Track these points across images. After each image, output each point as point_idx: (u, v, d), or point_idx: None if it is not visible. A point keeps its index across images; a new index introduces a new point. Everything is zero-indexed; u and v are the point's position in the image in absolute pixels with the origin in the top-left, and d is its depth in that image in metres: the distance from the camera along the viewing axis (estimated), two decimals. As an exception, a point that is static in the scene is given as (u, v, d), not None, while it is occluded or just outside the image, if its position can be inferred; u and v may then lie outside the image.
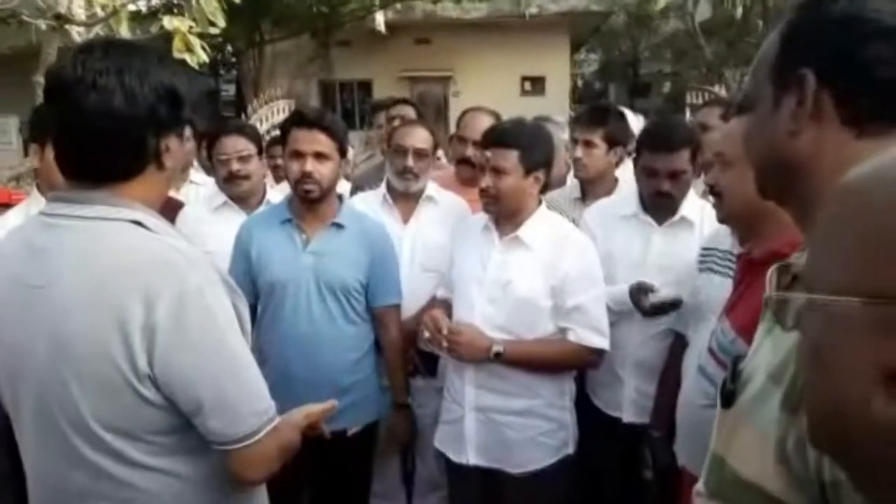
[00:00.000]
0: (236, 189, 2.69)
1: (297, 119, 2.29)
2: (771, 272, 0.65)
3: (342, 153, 2.28)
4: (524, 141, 2.11)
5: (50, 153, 2.11)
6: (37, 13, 5.16)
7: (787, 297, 0.58)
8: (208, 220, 2.63)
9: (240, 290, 1.26)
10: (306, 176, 2.18)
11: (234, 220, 2.59)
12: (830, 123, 0.77)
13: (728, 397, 0.80)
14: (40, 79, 5.39)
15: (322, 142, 2.20)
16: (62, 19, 5.02)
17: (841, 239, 0.52)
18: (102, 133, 1.14)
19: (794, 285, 0.66)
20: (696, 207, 2.34)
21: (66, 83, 1.13)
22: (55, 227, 1.17)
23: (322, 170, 2.19)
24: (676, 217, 2.34)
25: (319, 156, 2.19)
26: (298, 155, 2.20)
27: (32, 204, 2.22)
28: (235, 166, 2.64)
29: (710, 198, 1.68)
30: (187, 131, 1.28)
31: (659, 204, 2.34)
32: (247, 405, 1.17)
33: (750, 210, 1.44)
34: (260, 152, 2.77)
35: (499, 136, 2.15)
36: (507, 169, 2.10)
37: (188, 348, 1.11)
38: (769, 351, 0.77)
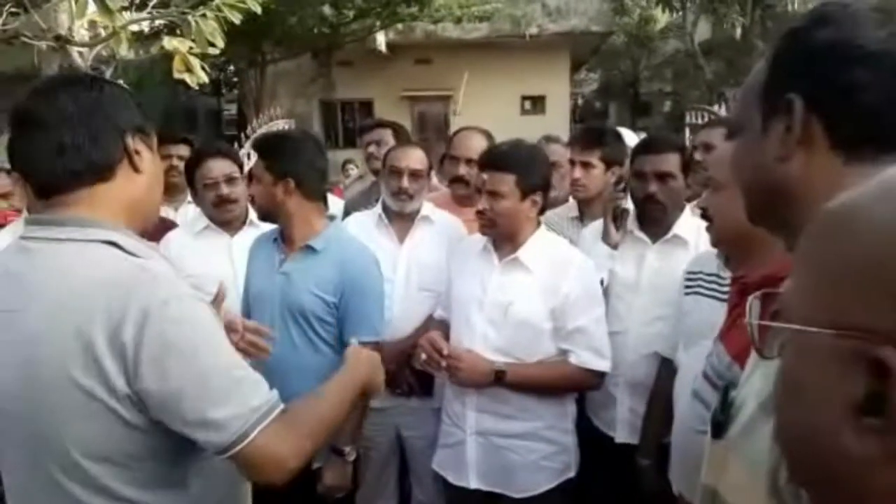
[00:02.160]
0: (226, 214, 2.64)
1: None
2: (751, 300, 0.64)
3: (279, 175, 2.13)
4: (521, 164, 2.11)
5: None
6: (39, 34, 5.19)
7: (767, 326, 0.57)
8: (192, 245, 2.59)
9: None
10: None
11: (218, 242, 2.60)
12: (819, 149, 0.76)
13: (718, 428, 0.78)
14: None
15: (255, 164, 2.22)
16: (62, 40, 5.04)
17: (816, 268, 0.51)
18: (62, 133, 1.17)
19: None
20: (692, 226, 2.34)
21: (38, 95, 1.21)
22: (29, 250, 1.17)
23: (255, 192, 2.22)
24: (670, 235, 2.34)
25: (253, 178, 2.21)
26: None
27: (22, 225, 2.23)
28: (225, 190, 2.61)
29: (704, 220, 1.67)
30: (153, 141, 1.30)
31: (650, 213, 2.35)
32: (224, 411, 1.13)
33: (742, 234, 1.43)
34: (242, 174, 2.74)
35: (495, 159, 2.14)
36: (503, 192, 2.09)
37: (155, 365, 1.09)
38: (760, 380, 0.75)
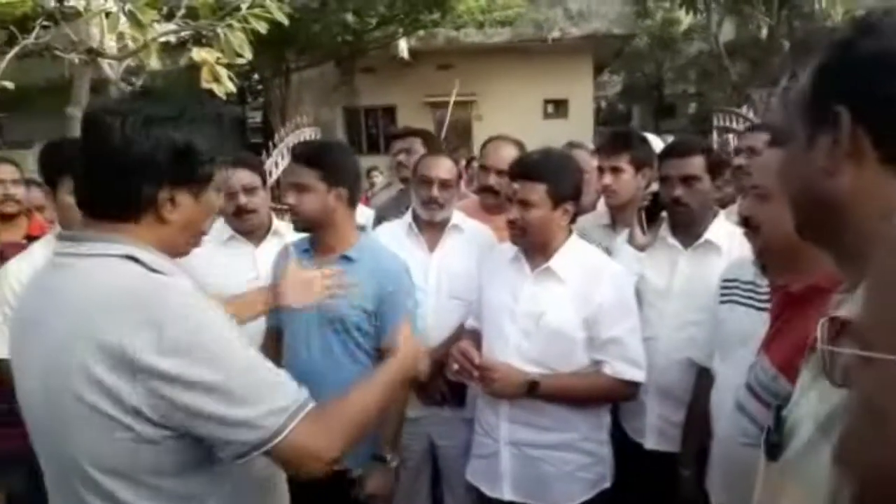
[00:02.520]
0: (245, 224, 2.63)
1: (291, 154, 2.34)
2: (822, 323, 0.62)
3: (333, 184, 2.15)
4: (552, 173, 2.09)
5: (62, 193, 2.19)
6: (69, 47, 5.28)
7: (838, 351, 0.55)
8: (216, 254, 2.53)
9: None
10: (289, 209, 2.21)
11: (242, 252, 2.60)
12: (869, 163, 0.74)
13: (773, 449, 0.76)
14: (72, 111, 5.51)
15: (303, 174, 2.16)
16: (94, 52, 5.12)
17: (894, 292, 0.49)
18: (94, 168, 1.19)
19: (841, 336, 0.63)
20: (724, 233, 2.32)
21: (85, 120, 1.22)
22: (59, 265, 1.20)
23: (304, 202, 2.15)
24: (701, 240, 2.32)
25: (300, 188, 2.16)
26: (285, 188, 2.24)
27: (53, 239, 2.27)
28: (243, 200, 2.59)
29: (744, 229, 1.63)
30: (213, 188, 1.27)
31: (677, 216, 2.35)
32: (256, 410, 1.12)
33: (788, 243, 1.40)
34: (264, 183, 2.72)
35: (526, 169, 2.13)
36: (534, 202, 2.08)
37: (176, 378, 1.08)
38: (816, 400, 0.73)
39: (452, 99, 7.64)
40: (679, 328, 2.27)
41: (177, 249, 1.29)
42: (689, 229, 2.35)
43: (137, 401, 1.09)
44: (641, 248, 2.43)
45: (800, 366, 0.84)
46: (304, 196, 2.15)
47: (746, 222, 1.59)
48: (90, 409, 1.09)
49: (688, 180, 2.28)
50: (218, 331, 1.15)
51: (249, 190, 2.61)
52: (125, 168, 1.16)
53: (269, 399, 1.15)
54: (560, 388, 2.09)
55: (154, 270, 1.18)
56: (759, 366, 1.49)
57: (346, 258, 2.18)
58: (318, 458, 1.19)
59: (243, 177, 2.60)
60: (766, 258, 1.57)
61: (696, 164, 2.28)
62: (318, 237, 2.24)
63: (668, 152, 2.41)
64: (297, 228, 2.25)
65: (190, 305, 1.14)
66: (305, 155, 2.21)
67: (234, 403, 1.11)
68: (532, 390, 2.05)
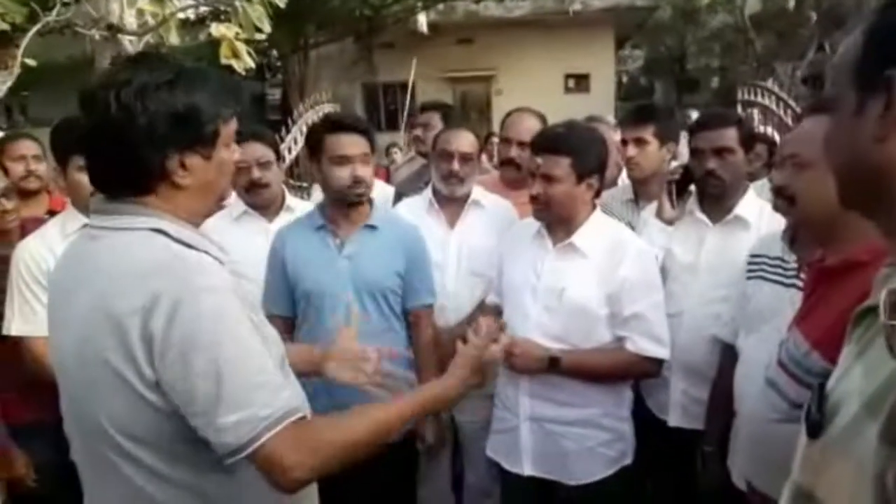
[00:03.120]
0: (257, 198, 2.61)
1: (338, 124, 2.28)
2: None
3: (372, 154, 2.31)
4: (576, 147, 2.05)
5: (72, 171, 2.19)
6: (90, 23, 5.28)
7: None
8: (230, 229, 2.51)
9: (257, 307, 1.24)
10: (358, 181, 2.20)
11: (255, 227, 2.59)
12: None
13: (815, 427, 0.74)
14: (94, 88, 5.52)
15: (364, 145, 2.23)
16: (114, 29, 5.11)
17: None
18: (98, 147, 1.18)
19: None
20: (755, 208, 2.27)
21: (82, 98, 1.19)
22: (91, 237, 1.22)
23: (368, 173, 2.24)
24: (731, 216, 2.27)
25: (365, 158, 2.22)
26: (346, 160, 2.19)
27: (68, 217, 2.29)
28: (256, 174, 2.56)
29: (778, 200, 1.58)
30: (222, 145, 1.25)
31: (710, 189, 2.29)
32: (233, 416, 1.09)
33: (827, 215, 1.35)
34: (278, 157, 2.70)
35: (550, 142, 2.08)
36: (558, 176, 2.03)
37: (178, 358, 1.08)
38: (861, 377, 0.71)
39: (412, 78, 7.57)
40: (705, 304, 2.24)
41: (200, 213, 1.30)
42: (718, 204, 2.30)
43: (153, 375, 1.10)
44: (670, 222, 2.39)
45: (839, 341, 0.81)
46: (367, 167, 2.24)
47: (780, 193, 1.53)
48: (117, 375, 1.11)
49: (721, 153, 2.23)
50: (230, 322, 1.13)
51: (263, 164, 2.59)
52: (129, 142, 1.15)
53: (255, 405, 1.11)
54: (582, 363, 2.06)
55: (183, 243, 1.19)
56: (792, 341, 1.45)
57: (371, 227, 2.27)
58: (283, 473, 1.12)
59: (256, 150, 2.57)
60: (800, 230, 1.53)
61: (730, 135, 2.23)
62: (350, 210, 2.28)
63: (701, 124, 2.35)
64: (363, 200, 2.28)
65: (211, 288, 1.13)
66: (362, 127, 2.28)
67: (219, 405, 1.09)
68: (553, 366, 2.03)
